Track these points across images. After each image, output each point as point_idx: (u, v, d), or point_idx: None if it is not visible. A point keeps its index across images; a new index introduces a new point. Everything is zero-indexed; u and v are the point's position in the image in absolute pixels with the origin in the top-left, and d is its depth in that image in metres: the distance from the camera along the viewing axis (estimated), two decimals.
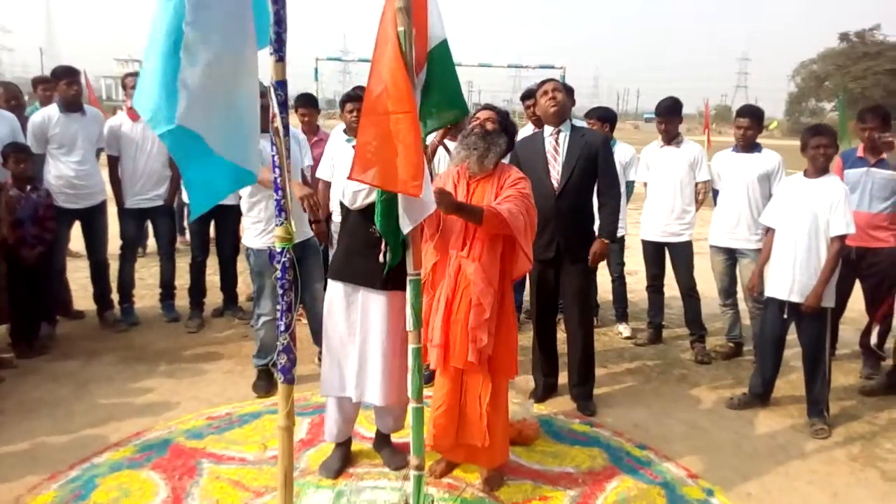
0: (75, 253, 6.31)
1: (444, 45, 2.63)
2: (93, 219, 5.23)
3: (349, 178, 2.49)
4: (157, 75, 2.15)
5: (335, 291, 3.22)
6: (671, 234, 5.17)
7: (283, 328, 2.68)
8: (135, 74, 5.46)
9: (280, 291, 2.66)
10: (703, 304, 5.27)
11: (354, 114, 4.47)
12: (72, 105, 5.05)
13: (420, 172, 2.38)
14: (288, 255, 2.66)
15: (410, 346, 2.66)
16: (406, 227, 2.59)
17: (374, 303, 3.15)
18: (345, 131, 4.59)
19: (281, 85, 2.46)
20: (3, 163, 4.62)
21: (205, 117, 2.16)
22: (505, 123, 3.33)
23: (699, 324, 5.21)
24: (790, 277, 3.90)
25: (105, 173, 5.29)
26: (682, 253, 5.18)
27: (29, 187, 4.68)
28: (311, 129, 5.44)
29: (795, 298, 3.90)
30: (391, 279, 3.03)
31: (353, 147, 3.16)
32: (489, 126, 3.25)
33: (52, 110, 5.05)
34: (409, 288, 2.65)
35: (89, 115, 5.19)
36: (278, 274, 2.67)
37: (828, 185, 3.85)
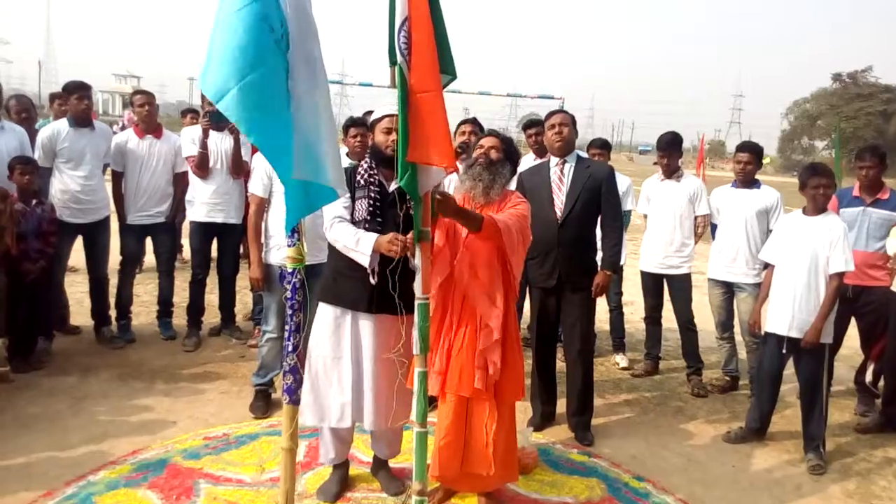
0: (72, 267, 6.29)
1: (436, 3, 2.61)
2: (95, 234, 5.23)
3: (408, 160, 2.51)
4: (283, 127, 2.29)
5: (323, 314, 3.19)
6: (670, 266, 5.22)
7: (290, 349, 2.70)
8: (143, 92, 5.51)
9: (289, 312, 2.69)
10: (700, 336, 5.30)
11: (358, 139, 4.52)
12: (82, 120, 5.09)
13: (450, 146, 2.46)
14: (298, 276, 2.70)
15: (416, 370, 2.68)
16: (426, 185, 2.62)
17: (364, 327, 3.14)
18: (347, 155, 4.62)
19: None
20: (8, 175, 4.63)
21: (315, 160, 2.39)
22: (509, 151, 3.37)
23: (696, 356, 5.24)
24: (789, 313, 3.94)
25: (109, 188, 5.31)
26: (681, 285, 5.22)
27: (34, 201, 4.69)
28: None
29: (794, 334, 3.94)
30: (380, 302, 3.02)
31: (343, 169, 3.22)
32: (494, 155, 3.28)
33: (62, 124, 5.09)
34: (416, 312, 2.67)
35: (98, 130, 5.23)
36: (287, 294, 2.70)
37: (827, 224, 3.91)
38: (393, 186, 3.17)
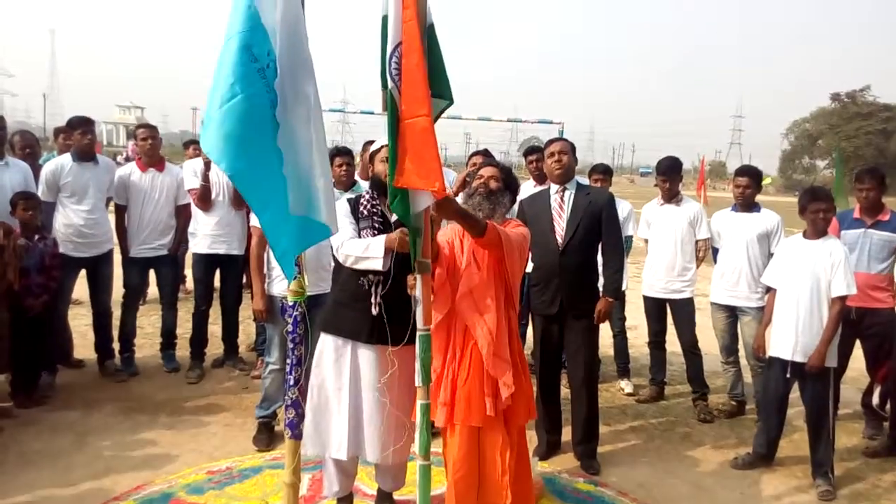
0: (76, 300, 6.31)
1: (431, 30, 2.62)
2: (99, 268, 5.26)
3: (395, 185, 2.49)
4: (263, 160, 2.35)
5: (325, 344, 3.19)
6: (672, 290, 5.21)
7: (291, 382, 2.70)
8: (146, 126, 5.57)
9: (290, 345, 2.69)
10: (704, 360, 5.28)
11: (344, 168, 4.58)
12: (85, 154, 5.14)
13: (438, 170, 2.43)
14: (300, 310, 2.71)
15: (419, 402, 2.67)
16: (417, 207, 2.58)
17: (364, 357, 3.13)
18: (333, 185, 4.65)
19: None
20: (11, 211, 4.66)
21: (307, 195, 2.45)
22: (508, 180, 3.39)
23: (701, 381, 5.21)
24: (793, 337, 3.93)
25: (113, 221, 5.35)
26: (684, 310, 5.21)
27: (37, 236, 4.72)
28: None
29: (798, 358, 3.92)
30: (380, 333, 3.02)
31: (347, 199, 3.25)
32: (493, 185, 3.30)
33: (65, 159, 5.14)
34: (417, 343, 2.67)
35: (101, 164, 5.28)
36: (289, 327, 2.71)
37: (828, 247, 3.92)
38: (395, 216, 3.18)
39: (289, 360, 2.68)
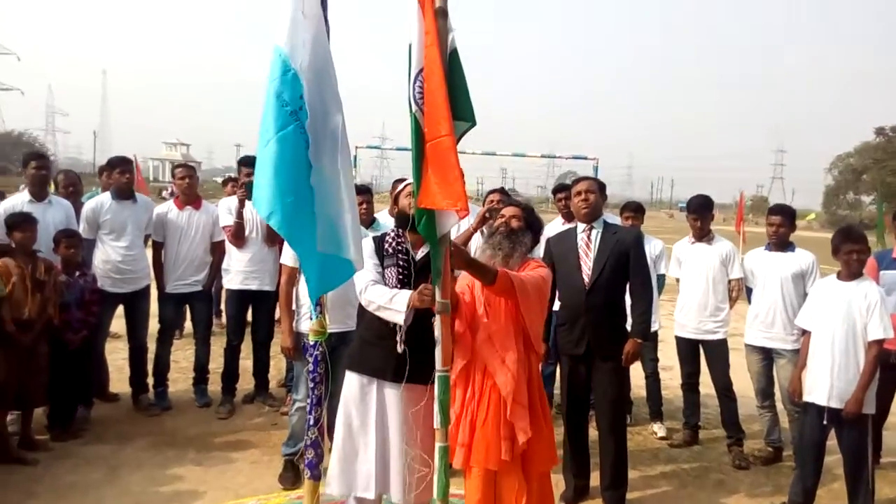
0: (115, 334, 6.46)
1: (455, 56, 2.68)
2: (136, 303, 5.39)
3: (419, 205, 2.55)
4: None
5: (351, 382, 3.22)
6: (705, 331, 5.11)
7: (311, 422, 2.71)
8: (184, 166, 5.75)
9: (311, 385, 2.72)
10: (740, 403, 5.14)
11: (363, 206, 4.66)
12: (124, 192, 5.32)
13: (461, 190, 2.46)
14: (321, 349, 2.74)
15: (437, 445, 2.66)
16: (443, 228, 2.61)
17: (390, 396, 3.14)
18: None
19: None
20: (54, 248, 4.83)
21: (337, 235, 2.55)
22: (530, 220, 3.39)
23: (736, 426, 5.07)
24: (828, 382, 3.81)
25: (150, 258, 5.49)
26: (717, 351, 5.10)
27: (77, 272, 4.87)
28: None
29: (834, 404, 3.80)
30: (405, 371, 3.01)
31: (372, 238, 3.30)
32: (514, 224, 3.31)
33: (105, 197, 5.33)
34: (436, 384, 2.67)
35: (140, 202, 5.45)
36: (310, 367, 2.74)
37: (863, 289, 3.81)
38: (420, 254, 3.22)
39: (308, 400, 2.70)
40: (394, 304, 3.02)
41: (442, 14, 2.54)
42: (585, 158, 16.79)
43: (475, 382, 3.11)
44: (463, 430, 3.04)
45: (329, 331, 4.36)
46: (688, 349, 5.26)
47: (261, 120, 2.42)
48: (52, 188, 5.70)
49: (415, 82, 2.57)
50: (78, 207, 5.48)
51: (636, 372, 5.66)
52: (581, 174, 5.16)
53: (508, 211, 3.43)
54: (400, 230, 3.28)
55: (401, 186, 3.43)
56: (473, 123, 2.73)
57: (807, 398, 3.97)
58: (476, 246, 4.17)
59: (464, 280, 3.26)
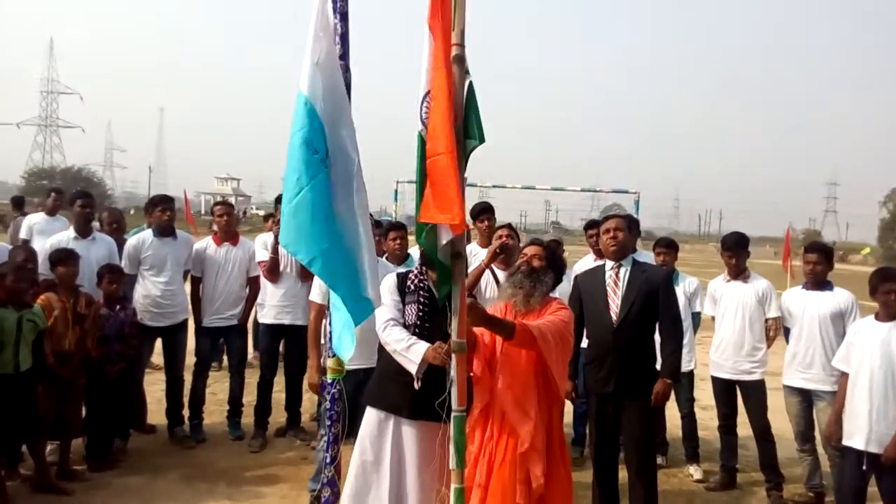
0: (156, 366, 6.61)
1: (471, 87, 2.72)
2: (174, 336, 5.53)
3: (419, 220, 2.60)
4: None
5: (369, 417, 3.24)
6: (741, 371, 4.98)
7: (328, 460, 2.73)
8: (222, 204, 5.92)
9: (328, 423, 2.74)
10: (780, 446, 4.97)
11: (398, 241, 4.70)
12: (165, 230, 5.50)
13: (458, 205, 2.48)
14: (337, 388, 2.77)
15: (453, 486, 2.64)
16: (442, 241, 2.63)
17: (407, 433, 3.14)
18: (387, 258, 4.77)
19: None
20: (97, 282, 5.01)
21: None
22: (552, 259, 3.39)
23: (775, 470, 4.89)
24: (867, 426, 3.68)
25: (189, 291, 5.65)
26: (754, 392, 4.96)
27: (118, 306, 5.03)
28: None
29: (874, 449, 3.66)
30: (422, 408, 3.01)
31: (396, 275, 3.33)
32: (536, 263, 3.32)
33: (147, 234, 5.52)
34: (452, 424, 2.66)
35: (180, 238, 5.62)
36: (327, 405, 2.76)
37: None
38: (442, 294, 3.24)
39: (325, 438, 2.73)
40: (409, 354, 3.06)
41: (458, 60, 2.60)
42: (626, 192, 16.76)
43: (494, 423, 3.10)
44: (480, 471, 3.02)
45: (356, 367, 4.44)
46: (724, 389, 5.12)
47: (287, 165, 2.50)
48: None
49: (422, 103, 2.65)
50: (121, 243, 5.69)
51: (672, 412, 5.55)
52: (628, 207, 5.15)
53: (530, 250, 3.44)
54: (424, 268, 3.31)
55: None
56: (482, 141, 2.76)
57: (846, 442, 3.84)
58: (485, 282, 4.19)
59: (491, 310, 3.28)
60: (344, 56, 2.78)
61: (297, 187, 2.49)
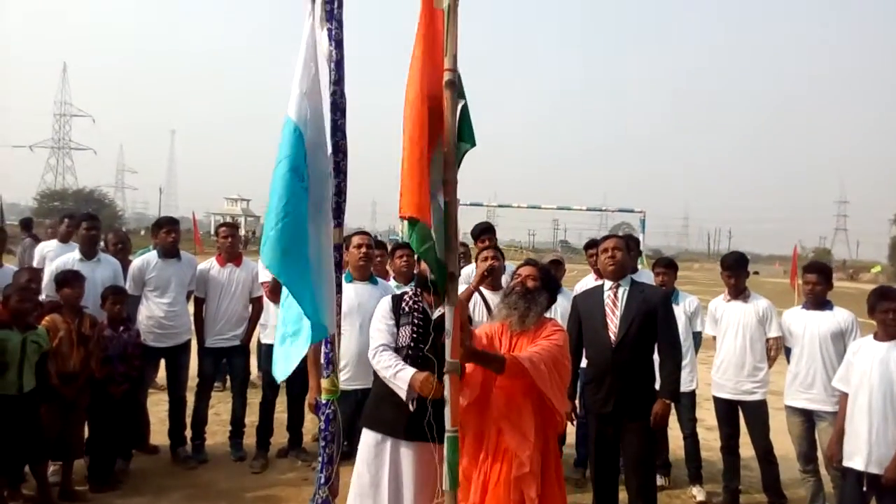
0: (161, 386, 6.63)
1: (460, 85, 2.77)
2: (176, 357, 5.57)
3: (400, 215, 2.64)
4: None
5: (366, 439, 3.26)
6: (743, 391, 4.96)
7: (322, 481, 2.75)
8: (227, 225, 5.99)
9: (322, 444, 2.76)
10: (784, 467, 4.93)
11: (404, 259, 4.73)
12: (169, 251, 5.56)
13: (425, 198, 2.58)
14: (332, 408, 2.79)
15: None
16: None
17: (404, 455, 3.15)
18: (395, 277, 4.80)
19: (337, 248, 2.76)
20: (101, 303, 5.06)
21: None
22: (546, 280, 3.42)
23: (778, 491, 4.86)
24: (866, 447, 3.66)
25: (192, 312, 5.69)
26: (756, 413, 4.93)
27: (122, 327, 5.07)
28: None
29: (874, 469, 3.64)
30: (418, 430, 3.02)
31: (391, 297, 3.37)
32: (530, 284, 3.34)
33: (152, 256, 5.58)
34: (445, 444, 2.68)
35: (184, 260, 5.68)
36: (321, 426, 2.78)
37: None
38: (436, 313, 3.27)
39: (319, 458, 2.74)
40: (396, 380, 3.09)
41: (450, 86, 2.66)
42: (632, 211, 16.80)
43: (489, 442, 3.11)
44: (475, 491, 3.03)
45: (354, 387, 4.46)
46: (726, 410, 5.10)
47: (272, 188, 2.53)
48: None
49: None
50: (126, 264, 5.75)
51: (675, 432, 5.52)
52: (635, 225, 5.19)
53: (524, 270, 3.47)
54: (419, 290, 3.34)
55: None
56: (473, 144, 2.84)
57: (846, 463, 3.82)
58: (474, 303, 4.21)
59: (489, 328, 3.31)
60: (339, 82, 2.83)
61: (283, 212, 2.53)
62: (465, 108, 2.79)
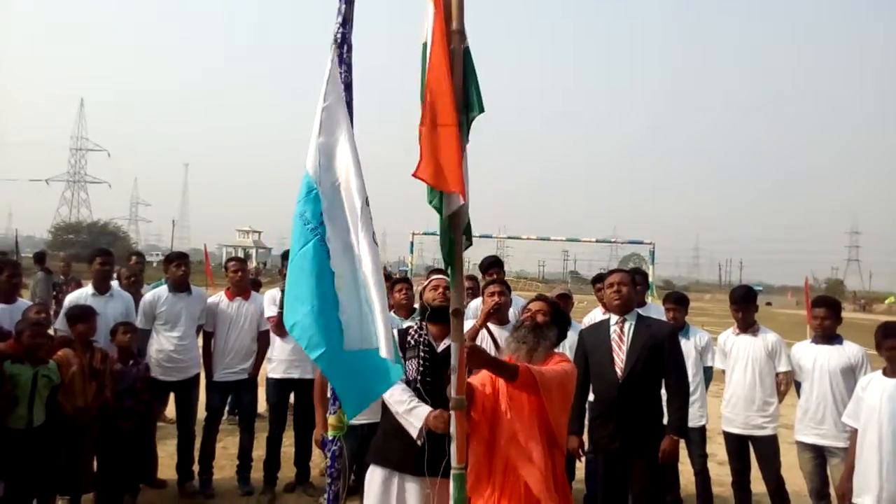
0: (170, 419, 6.64)
1: (467, 53, 2.84)
2: (185, 391, 5.60)
3: (413, 175, 2.67)
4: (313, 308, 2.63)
5: (373, 476, 3.25)
6: (753, 426, 4.92)
7: None
8: (236, 260, 6.05)
9: (328, 480, 2.77)
10: (795, 503, 4.86)
11: (404, 293, 4.76)
12: (179, 285, 5.62)
13: (459, 175, 2.62)
14: (338, 444, 2.80)
15: None
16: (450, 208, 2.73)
17: (411, 490, 3.15)
18: (394, 312, 4.84)
19: None
20: (111, 337, 5.10)
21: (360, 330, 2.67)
22: (556, 315, 3.43)
23: None
24: (877, 484, 3.63)
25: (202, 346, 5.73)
26: (767, 448, 4.89)
27: (131, 361, 5.11)
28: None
29: None
30: (427, 464, 3.03)
31: (397, 331, 3.39)
32: (540, 318, 3.36)
33: (163, 290, 5.64)
34: (451, 482, 2.68)
35: (194, 294, 5.74)
36: (328, 462, 2.80)
37: None
38: (441, 346, 3.29)
39: (326, 495, 2.75)
40: (411, 417, 3.10)
41: (458, 34, 2.76)
42: (641, 243, 16.78)
43: (496, 477, 3.10)
44: None
45: (360, 422, 4.46)
46: (736, 445, 5.05)
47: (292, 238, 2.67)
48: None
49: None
50: (139, 298, 5.81)
51: (687, 468, 5.46)
52: (646, 256, 5.22)
53: (535, 305, 3.49)
54: (423, 322, 3.37)
55: (426, 281, 3.54)
56: (482, 110, 2.87)
57: (856, 500, 3.78)
58: (481, 339, 4.23)
59: (484, 373, 3.30)
60: (348, 104, 2.91)
61: (291, 256, 2.69)
62: (472, 75, 2.84)
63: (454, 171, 2.63)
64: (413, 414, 3.10)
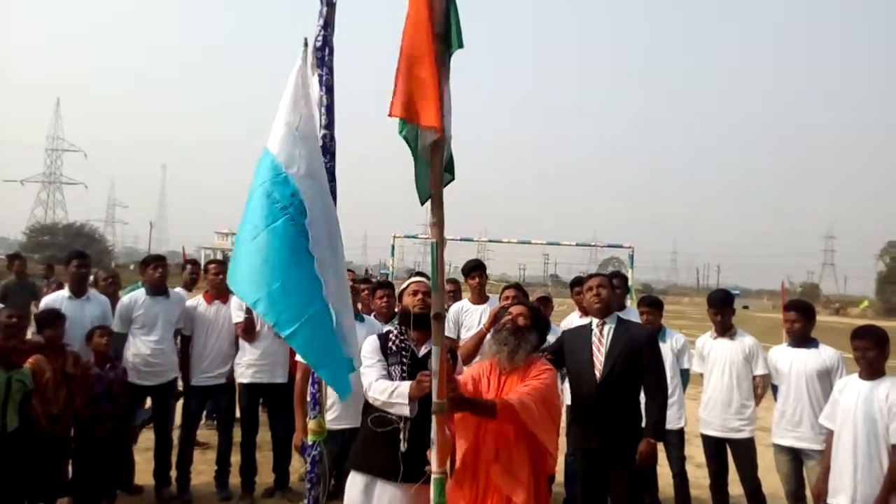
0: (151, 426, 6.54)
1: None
2: (163, 396, 5.52)
3: (389, 114, 2.65)
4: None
5: (353, 483, 3.23)
6: (731, 429, 4.97)
7: None
8: (217, 262, 5.99)
9: (307, 486, 2.75)
10: None
11: (385, 299, 4.76)
12: (157, 288, 5.55)
13: (434, 108, 2.57)
14: (318, 450, 2.79)
15: None
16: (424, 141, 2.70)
17: (393, 497, 3.14)
18: (375, 316, 4.83)
19: None
20: (87, 341, 5.02)
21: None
22: (537, 319, 3.46)
23: None
24: (851, 485, 3.67)
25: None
26: (744, 451, 4.94)
27: (108, 365, 5.04)
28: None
29: None
30: (409, 471, 3.03)
31: (377, 336, 3.39)
32: (521, 322, 3.39)
33: (140, 293, 5.56)
34: (432, 487, 2.68)
35: (172, 297, 5.67)
36: (307, 467, 2.78)
37: (884, 389, 3.72)
38: (422, 351, 3.29)
39: (305, 501, 2.74)
40: (395, 398, 3.09)
41: None
42: (621, 247, 16.90)
43: (480, 481, 3.11)
44: None
45: (340, 427, 4.44)
46: (714, 447, 5.10)
47: (244, 216, 2.62)
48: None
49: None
50: (116, 301, 5.72)
51: (665, 470, 5.50)
52: (625, 260, 5.25)
53: (516, 309, 3.53)
54: (403, 328, 3.37)
55: (404, 284, 3.54)
56: (460, 46, 2.77)
57: (831, 501, 3.83)
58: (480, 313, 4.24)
59: (478, 369, 3.34)
60: (329, 126, 2.90)
61: (252, 233, 2.62)
62: (454, 13, 2.78)
63: (429, 103, 2.58)
64: (397, 395, 3.11)
